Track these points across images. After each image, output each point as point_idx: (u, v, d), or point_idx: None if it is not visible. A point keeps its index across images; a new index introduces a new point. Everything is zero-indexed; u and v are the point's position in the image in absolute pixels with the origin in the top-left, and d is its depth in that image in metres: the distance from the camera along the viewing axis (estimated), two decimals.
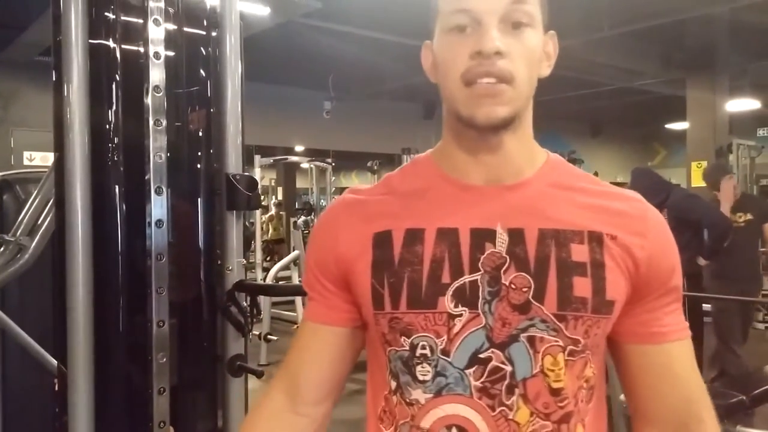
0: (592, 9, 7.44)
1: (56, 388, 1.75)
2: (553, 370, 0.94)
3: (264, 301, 6.80)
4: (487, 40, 0.92)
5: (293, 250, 8.46)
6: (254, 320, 1.98)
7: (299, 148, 13.96)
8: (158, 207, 1.71)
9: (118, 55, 1.74)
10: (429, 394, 0.95)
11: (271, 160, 10.28)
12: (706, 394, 1.03)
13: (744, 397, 3.66)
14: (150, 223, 1.71)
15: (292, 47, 9.06)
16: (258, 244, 9.02)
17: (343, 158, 14.43)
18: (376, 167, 9.41)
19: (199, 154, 1.89)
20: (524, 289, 0.94)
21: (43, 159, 8.54)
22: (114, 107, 1.74)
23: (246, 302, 1.91)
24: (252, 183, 1.90)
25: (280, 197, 16.95)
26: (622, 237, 0.97)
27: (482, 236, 0.96)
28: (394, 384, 1.00)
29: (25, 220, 2.40)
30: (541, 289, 0.94)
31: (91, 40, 1.68)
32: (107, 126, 1.73)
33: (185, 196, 1.86)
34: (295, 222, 8.81)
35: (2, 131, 8.81)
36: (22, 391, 2.92)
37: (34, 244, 2.35)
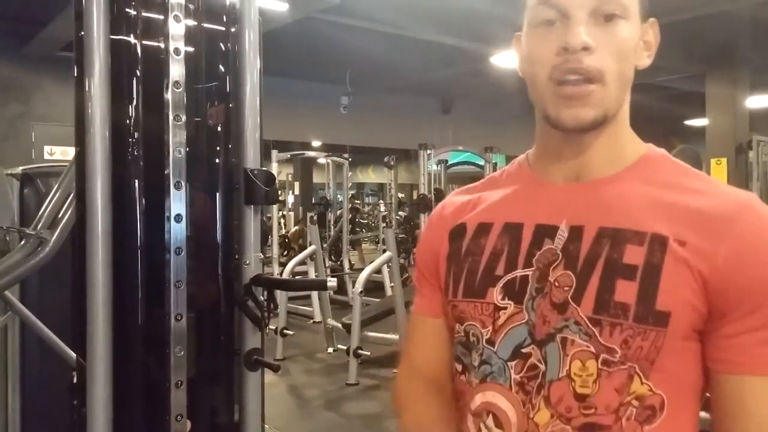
0: None
1: (75, 381, 1.77)
2: (580, 376, 0.88)
3: (280, 295, 6.83)
4: (573, 35, 0.87)
5: (309, 245, 8.47)
6: (271, 314, 2.00)
7: (316, 143, 13.97)
8: (177, 201, 1.72)
9: (138, 51, 1.75)
10: (476, 379, 0.97)
11: (288, 155, 10.31)
12: None
13: None
14: (169, 218, 1.72)
15: (309, 42, 9.06)
16: (275, 239, 9.06)
17: (360, 153, 14.45)
18: (392, 162, 9.40)
19: (218, 149, 1.90)
20: (565, 288, 0.89)
21: (63, 153, 8.61)
22: (134, 102, 1.75)
23: (263, 296, 1.92)
24: (270, 178, 1.91)
25: (297, 192, 16.98)
26: (693, 241, 0.86)
27: (544, 232, 0.94)
28: (459, 366, 1.03)
29: (45, 214, 2.42)
30: (581, 290, 0.88)
31: (112, 36, 1.69)
32: (128, 121, 1.74)
33: (204, 190, 1.87)
34: (311, 217, 8.82)
35: (23, 126, 8.88)
36: (41, 383, 2.95)
37: (54, 237, 2.37)
